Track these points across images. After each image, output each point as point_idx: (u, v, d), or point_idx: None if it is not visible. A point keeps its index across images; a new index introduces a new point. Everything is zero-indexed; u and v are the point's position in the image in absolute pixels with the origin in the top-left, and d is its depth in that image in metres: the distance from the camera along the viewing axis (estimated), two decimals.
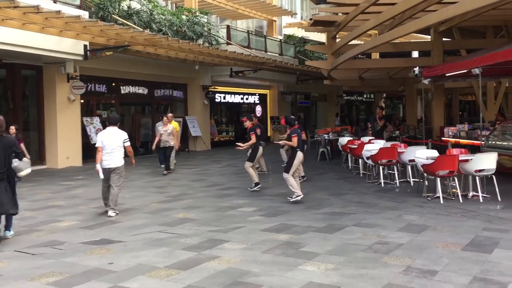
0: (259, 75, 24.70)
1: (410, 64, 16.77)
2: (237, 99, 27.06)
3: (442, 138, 15.79)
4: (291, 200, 9.35)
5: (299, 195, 9.34)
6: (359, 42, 17.41)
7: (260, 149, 11.31)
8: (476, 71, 12.22)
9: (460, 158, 9.21)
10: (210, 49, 18.13)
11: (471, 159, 9.25)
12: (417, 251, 5.88)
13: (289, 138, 9.64)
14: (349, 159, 14.87)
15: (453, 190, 9.77)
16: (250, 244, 6.38)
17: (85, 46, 14.73)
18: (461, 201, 9.03)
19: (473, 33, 19.03)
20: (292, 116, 10.74)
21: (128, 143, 8.60)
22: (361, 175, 13.04)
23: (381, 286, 4.71)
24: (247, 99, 27.95)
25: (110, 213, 8.36)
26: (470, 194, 9.43)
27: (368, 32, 16.65)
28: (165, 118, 14.35)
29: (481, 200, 9.01)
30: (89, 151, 16.93)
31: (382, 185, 11.23)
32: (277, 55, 26.02)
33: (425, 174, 9.77)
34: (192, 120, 22.86)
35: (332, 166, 15.30)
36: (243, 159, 18.67)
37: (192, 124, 22.71)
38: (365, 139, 15.23)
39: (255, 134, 11.08)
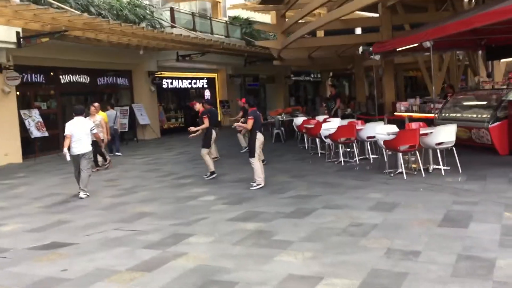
0: (206, 58, 24.01)
1: (360, 40, 16.67)
2: (185, 84, 26.28)
3: (395, 113, 15.84)
4: (252, 188, 8.92)
5: (260, 184, 8.98)
6: (309, 20, 17.08)
7: (214, 133, 10.71)
8: (428, 44, 12.16)
9: (420, 132, 9.09)
10: (155, 32, 17.27)
11: (431, 132, 9.14)
12: (393, 231, 5.62)
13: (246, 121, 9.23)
14: (305, 139, 14.63)
15: (413, 165, 9.69)
16: (218, 236, 5.92)
17: (17, 33, 13.61)
18: (423, 175, 8.92)
19: (415, 8, 19.01)
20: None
21: (95, 131, 9.69)
22: (319, 154, 12.81)
23: (366, 273, 4.39)
24: (195, 83, 27.21)
25: (81, 194, 9.06)
26: (431, 167, 9.35)
27: (317, 10, 16.31)
28: (92, 108, 12.42)
29: (443, 173, 8.93)
30: (29, 146, 15.86)
31: (343, 164, 11.03)
32: (224, 37, 25.39)
33: (386, 150, 9.60)
34: (139, 108, 21.96)
35: (289, 148, 15.00)
36: (197, 146, 18.06)
37: (139, 112, 21.82)
38: (320, 118, 15.00)
39: (207, 117, 10.48)
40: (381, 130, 9.76)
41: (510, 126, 10.48)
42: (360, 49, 16.85)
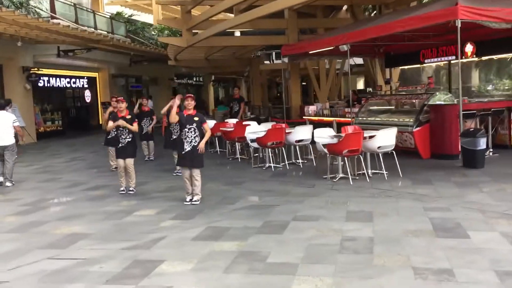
0: (90, 55, 21.96)
1: (266, 42, 16.24)
2: (63, 83, 23.74)
3: (304, 117, 15.67)
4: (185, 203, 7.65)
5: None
6: (218, 18, 16.22)
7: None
8: (344, 47, 12.06)
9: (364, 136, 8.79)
10: (40, 21, 15.06)
11: (374, 136, 8.89)
12: (396, 245, 5.05)
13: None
14: (217, 144, 13.79)
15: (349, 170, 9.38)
16: (197, 261, 4.83)
17: None
18: (368, 180, 8.62)
19: (305, 14, 19.00)
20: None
21: (16, 123, 9.95)
22: (239, 159, 12.05)
23: None
24: (74, 83, 24.76)
25: (7, 183, 9.64)
26: (370, 172, 9.11)
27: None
28: None
29: (386, 178, 8.71)
30: None
31: (273, 169, 10.38)
32: (107, 33, 23.39)
33: (328, 155, 9.11)
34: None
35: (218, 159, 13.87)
36: (87, 151, 16.29)
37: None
38: (232, 121, 14.21)
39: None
40: (322, 134, 9.29)
41: (432, 130, 10.73)
42: (258, 53, 16.50)
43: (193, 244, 5.41)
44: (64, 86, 23.94)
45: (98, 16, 23.42)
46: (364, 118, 12.51)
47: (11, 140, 9.67)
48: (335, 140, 8.91)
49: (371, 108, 12.86)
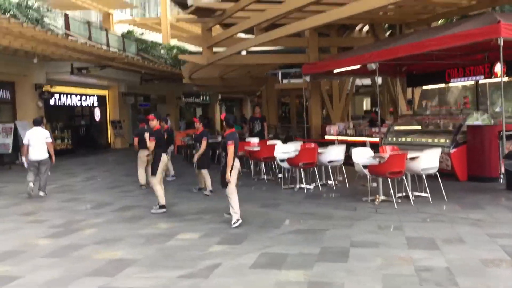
0: (101, 73, 21.70)
1: (287, 60, 16.02)
2: (74, 101, 23.41)
3: (326, 137, 15.34)
4: (234, 226, 7.17)
5: (239, 220, 7.20)
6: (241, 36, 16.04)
7: (164, 156, 8.89)
8: (373, 66, 11.82)
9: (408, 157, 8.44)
10: (58, 37, 14.80)
11: (418, 157, 8.53)
12: (480, 276, 4.65)
13: (224, 145, 7.56)
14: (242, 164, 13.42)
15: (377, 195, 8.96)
16: None
17: None
18: (412, 203, 8.22)
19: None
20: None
21: (49, 140, 10.43)
22: (266, 180, 11.67)
23: None
24: (85, 101, 24.44)
25: (41, 193, 10.17)
26: (411, 195, 8.70)
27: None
28: None
29: (430, 201, 8.32)
30: None
31: (305, 191, 9.98)
32: (118, 51, 23.16)
33: (369, 176, 8.72)
34: (24, 126, 18.76)
35: (216, 172, 13.44)
36: (101, 170, 15.91)
37: (24, 131, 18.62)
38: (254, 140, 13.83)
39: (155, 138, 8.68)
40: (361, 154, 8.94)
41: (470, 152, 10.38)
42: (273, 72, 16.12)
43: (253, 273, 5.00)
44: (74, 104, 23.63)
45: (110, 35, 23.23)
46: (394, 139, 12.18)
47: (46, 155, 10.34)
48: (376, 161, 8.56)
49: (400, 128, 12.54)
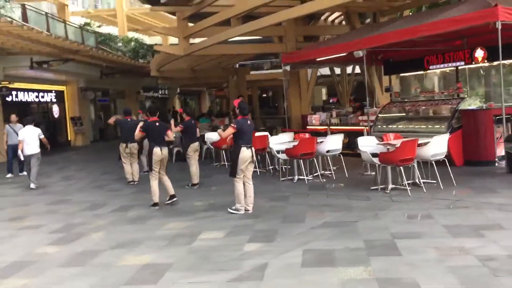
0: (61, 67, 20.50)
1: (264, 50, 15.66)
2: (31, 97, 22.10)
3: (308, 127, 15.11)
4: (231, 211, 7.40)
5: (239, 211, 7.40)
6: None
7: (157, 151, 8.30)
8: (360, 53, 11.66)
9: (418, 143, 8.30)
10: (13, 25, 13.71)
11: (429, 142, 8.42)
12: None
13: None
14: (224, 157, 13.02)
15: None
16: None
17: None
18: (424, 190, 8.10)
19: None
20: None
21: (42, 136, 11.53)
22: (259, 173, 11.28)
23: None
24: (42, 97, 23.12)
25: (32, 185, 10.96)
26: (420, 181, 8.57)
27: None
28: None
29: (441, 187, 8.22)
30: None
31: (306, 182, 9.70)
32: (78, 44, 21.99)
33: (378, 165, 8.52)
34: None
35: (207, 167, 12.99)
36: (72, 169, 14.99)
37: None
38: None
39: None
40: (367, 143, 8.73)
41: (465, 136, 10.41)
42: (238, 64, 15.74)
43: (309, 272, 4.65)
44: (32, 100, 22.31)
45: (68, 26, 22.00)
46: (384, 126, 12.08)
47: (37, 149, 11.41)
48: (385, 149, 8.37)
49: (389, 115, 12.47)
